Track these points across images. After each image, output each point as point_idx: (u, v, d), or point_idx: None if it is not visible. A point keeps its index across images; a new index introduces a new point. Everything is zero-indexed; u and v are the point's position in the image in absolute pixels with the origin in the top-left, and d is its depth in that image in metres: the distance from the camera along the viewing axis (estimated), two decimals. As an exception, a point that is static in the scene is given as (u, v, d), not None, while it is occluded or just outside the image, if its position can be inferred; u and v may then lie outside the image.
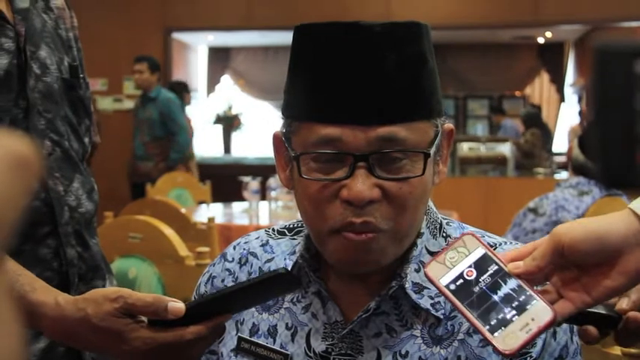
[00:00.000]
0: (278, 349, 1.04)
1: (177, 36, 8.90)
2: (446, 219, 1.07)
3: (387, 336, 0.99)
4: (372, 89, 0.92)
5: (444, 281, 0.81)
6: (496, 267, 0.81)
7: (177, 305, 0.92)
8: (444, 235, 1.04)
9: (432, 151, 0.96)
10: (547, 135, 8.78)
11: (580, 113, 9.40)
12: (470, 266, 0.82)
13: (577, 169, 2.87)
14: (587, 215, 2.76)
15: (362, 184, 0.91)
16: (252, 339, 1.06)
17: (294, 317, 1.05)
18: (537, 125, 8.35)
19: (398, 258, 0.99)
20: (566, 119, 10.50)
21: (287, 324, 1.05)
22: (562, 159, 9.15)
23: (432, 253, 1.01)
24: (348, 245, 0.94)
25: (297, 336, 1.03)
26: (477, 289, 0.80)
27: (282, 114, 1.01)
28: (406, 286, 0.98)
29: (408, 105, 0.94)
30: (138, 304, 0.93)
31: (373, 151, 0.92)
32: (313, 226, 0.98)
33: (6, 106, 1.23)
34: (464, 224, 1.08)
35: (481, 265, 0.82)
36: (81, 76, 1.40)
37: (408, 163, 0.94)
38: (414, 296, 0.98)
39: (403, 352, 0.98)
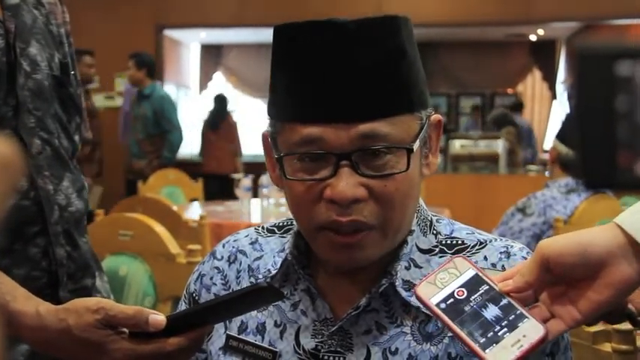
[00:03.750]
0: (266, 346, 1.04)
1: (169, 33, 8.87)
2: (436, 216, 1.07)
3: (376, 333, 0.99)
4: (349, 86, 0.92)
5: (434, 300, 0.82)
6: (487, 287, 0.82)
7: (158, 318, 0.92)
8: (434, 232, 1.04)
9: (417, 145, 0.95)
10: (520, 133, 8.85)
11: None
12: (461, 286, 0.83)
13: (565, 165, 2.87)
14: (577, 214, 2.78)
15: (345, 183, 0.92)
16: (240, 337, 1.06)
17: (283, 314, 1.05)
18: (510, 124, 8.42)
19: (388, 255, 0.99)
20: (557, 116, 10.53)
21: (276, 321, 1.05)
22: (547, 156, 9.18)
23: (423, 251, 1.01)
24: (337, 245, 0.95)
25: (286, 333, 1.03)
26: (467, 307, 0.81)
27: (268, 114, 1.01)
28: (396, 283, 0.98)
29: (387, 99, 0.94)
30: (119, 316, 0.93)
31: (355, 149, 0.92)
32: (301, 225, 0.99)
33: None
34: (453, 221, 1.08)
35: (472, 285, 0.83)
36: (72, 72, 1.39)
37: (392, 159, 0.94)
38: (404, 294, 0.98)
39: (393, 349, 0.98)
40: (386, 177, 0.93)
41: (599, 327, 1.37)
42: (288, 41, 0.96)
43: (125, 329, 0.94)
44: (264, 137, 1.02)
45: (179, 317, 0.96)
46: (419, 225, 1.03)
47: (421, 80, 0.98)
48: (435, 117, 1.00)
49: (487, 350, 0.77)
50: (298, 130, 0.94)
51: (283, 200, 4.25)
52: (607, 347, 1.37)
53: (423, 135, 0.97)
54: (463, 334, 0.79)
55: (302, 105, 0.94)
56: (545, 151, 9.26)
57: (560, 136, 2.92)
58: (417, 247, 1.01)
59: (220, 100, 7.75)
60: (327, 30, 0.92)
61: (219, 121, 7.53)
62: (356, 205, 0.93)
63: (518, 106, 9.47)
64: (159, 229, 2.18)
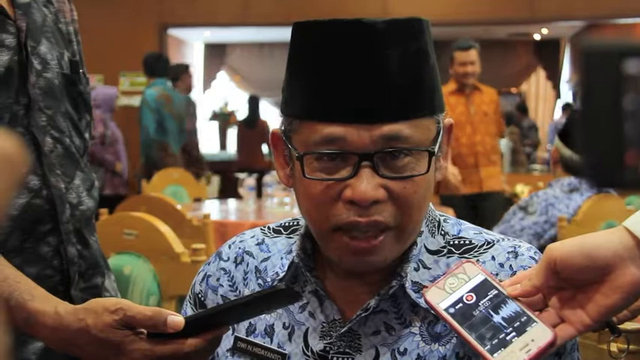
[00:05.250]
0: (275, 348, 1.03)
1: (174, 32, 8.89)
2: (443, 216, 1.07)
3: (385, 334, 0.99)
4: (376, 87, 0.91)
5: (443, 305, 0.83)
6: (496, 291, 0.83)
7: (176, 319, 0.93)
8: (442, 232, 1.03)
9: (437, 148, 0.95)
10: (528, 130, 8.86)
11: (564, 108, 9.54)
12: (469, 291, 0.83)
13: (568, 166, 2.86)
14: (582, 213, 2.77)
15: (367, 184, 0.91)
16: (249, 339, 1.06)
17: (292, 316, 1.04)
18: (514, 123, 8.45)
19: (398, 256, 0.99)
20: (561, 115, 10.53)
21: (284, 323, 1.04)
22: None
23: (431, 252, 1.01)
24: (353, 247, 0.94)
25: (295, 335, 1.03)
26: (476, 312, 0.81)
27: (282, 112, 1.00)
28: (406, 285, 0.98)
29: (411, 102, 0.93)
30: (137, 317, 0.93)
31: (378, 150, 0.92)
32: (315, 226, 0.98)
33: (6, 102, 1.21)
34: (460, 220, 1.08)
35: (481, 290, 0.83)
36: (81, 71, 1.38)
37: (412, 161, 0.93)
38: (413, 295, 0.98)
39: (402, 349, 0.98)
40: (406, 179, 0.93)
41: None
42: (312, 38, 0.94)
43: (143, 330, 0.94)
44: (275, 135, 1.01)
45: (197, 319, 0.96)
46: (427, 226, 1.02)
47: (439, 84, 0.98)
48: (448, 121, 1.00)
49: (495, 354, 0.77)
50: (319, 128, 0.93)
51: (287, 199, 4.26)
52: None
53: (440, 138, 0.97)
54: (471, 339, 0.79)
55: (325, 104, 0.93)
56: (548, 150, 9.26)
57: (563, 137, 2.91)
58: (426, 247, 1.01)
59: (254, 101, 8.24)
60: (355, 29, 0.91)
61: (255, 121, 8.05)
62: (375, 206, 0.92)
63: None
64: (163, 228, 2.18)
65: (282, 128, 0.99)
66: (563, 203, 2.82)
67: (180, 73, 6.36)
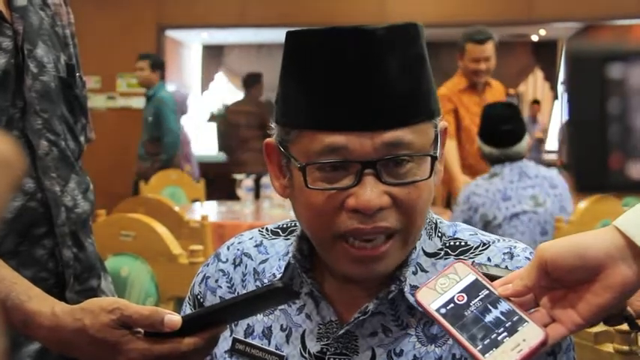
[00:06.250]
0: (273, 350, 1.04)
1: (171, 33, 8.89)
2: (438, 217, 1.07)
3: (382, 335, 0.99)
4: (376, 94, 0.91)
5: (434, 306, 0.82)
6: (487, 292, 0.83)
7: (174, 318, 0.93)
8: (439, 234, 1.04)
9: (438, 152, 0.95)
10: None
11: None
12: (461, 291, 0.83)
13: (488, 159, 3.06)
14: (577, 213, 2.79)
15: (370, 192, 0.90)
16: (247, 340, 1.06)
17: (289, 318, 1.04)
18: None
19: None
20: (559, 116, 10.55)
21: (282, 325, 1.05)
22: (553, 157, 9.20)
23: (429, 255, 1.01)
24: (358, 255, 0.94)
25: (292, 337, 1.03)
26: (467, 312, 0.81)
27: (277, 122, 0.98)
28: (405, 289, 0.98)
29: (411, 107, 0.93)
30: (135, 317, 0.93)
31: (380, 157, 0.91)
32: (317, 234, 0.97)
33: (3, 105, 1.22)
34: (456, 222, 1.08)
35: (472, 290, 0.83)
36: (77, 74, 1.39)
37: (415, 167, 0.93)
38: (411, 299, 0.98)
39: (398, 350, 0.98)
40: (409, 185, 0.93)
41: (600, 327, 1.38)
42: (309, 47, 0.94)
43: (141, 329, 0.94)
44: (269, 146, 1.00)
45: (194, 317, 0.96)
46: (425, 228, 1.02)
47: (435, 87, 0.98)
48: (443, 124, 1.00)
49: (487, 355, 0.78)
50: (319, 138, 0.92)
51: (286, 202, 4.26)
52: (609, 348, 1.38)
53: (439, 142, 0.97)
54: (463, 339, 0.79)
55: (326, 113, 0.92)
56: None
57: (481, 136, 3.09)
58: (424, 250, 1.01)
59: (268, 104, 8.31)
60: (354, 36, 0.91)
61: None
62: (379, 214, 0.92)
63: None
64: (161, 229, 2.19)
65: (279, 139, 0.98)
66: (482, 188, 2.98)
67: (255, 83, 6.43)
